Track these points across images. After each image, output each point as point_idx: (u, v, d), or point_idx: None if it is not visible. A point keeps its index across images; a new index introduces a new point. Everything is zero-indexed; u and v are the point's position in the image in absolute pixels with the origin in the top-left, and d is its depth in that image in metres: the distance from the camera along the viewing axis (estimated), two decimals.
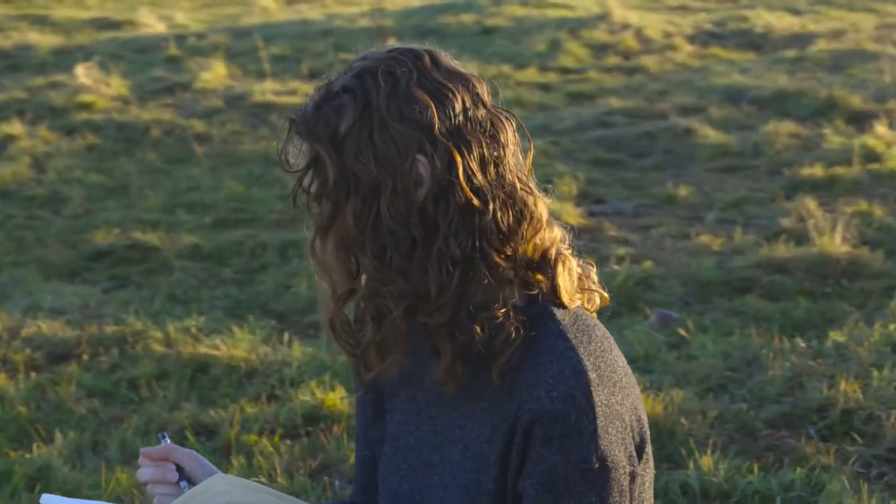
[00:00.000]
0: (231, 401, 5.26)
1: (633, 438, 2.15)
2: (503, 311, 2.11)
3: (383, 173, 2.07)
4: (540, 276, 2.16)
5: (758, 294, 6.15)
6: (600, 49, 11.97)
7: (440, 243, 2.09)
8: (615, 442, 2.10)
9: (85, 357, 5.75)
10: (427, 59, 2.14)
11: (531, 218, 2.14)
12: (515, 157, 2.16)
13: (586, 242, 6.96)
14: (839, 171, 7.87)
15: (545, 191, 2.22)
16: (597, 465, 2.08)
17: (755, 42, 12.42)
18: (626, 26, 12.52)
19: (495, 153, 2.12)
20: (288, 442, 4.95)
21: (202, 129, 9.45)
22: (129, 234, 7.34)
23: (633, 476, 2.14)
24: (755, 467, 4.51)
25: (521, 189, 2.15)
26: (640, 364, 5.34)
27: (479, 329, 2.10)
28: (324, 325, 2.30)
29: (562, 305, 2.16)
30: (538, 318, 2.13)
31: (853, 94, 9.58)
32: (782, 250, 6.52)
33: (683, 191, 7.75)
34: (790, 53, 11.70)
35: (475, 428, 2.18)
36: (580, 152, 8.71)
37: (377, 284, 2.11)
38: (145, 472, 2.37)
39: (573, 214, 7.25)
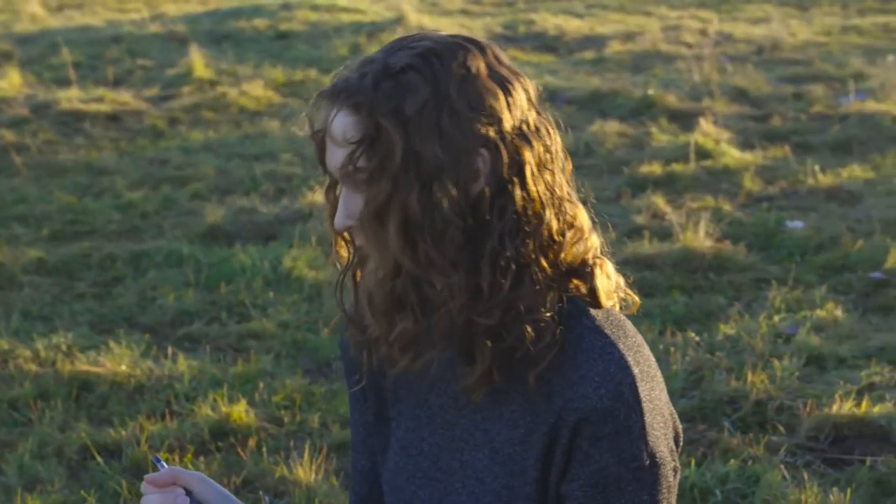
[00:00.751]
0: (128, 419, 5.04)
1: (671, 433, 2.12)
2: (549, 315, 2.05)
3: (447, 160, 2.00)
4: (577, 282, 2.12)
5: (632, 291, 6.19)
6: None
7: (495, 242, 2.03)
8: (660, 438, 2.07)
9: None
10: (491, 51, 2.08)
11: (574, 227, 2.13)
12: (563, 165, 2.15)
13: None
14: (676, 167, 8.03)
15: (584, 201, 2.20)
16: (647, 463, 2.04)
17: (550, 45, 12.60)
18: (421, 30, 12.52)
19: (549, 157, 2.10)
20: (202, 459, 4.77)
21: (13, 138, 9.05)
22: None
23: (675, 471, 2.11)
24: (692, 461, 4.54)
25: (568, 197, 2.13)
26: None
27: (530, 330, 2.04)
28: (340, 306, 2.21)
29: (597, 305, 2.12)
30: (572, 315, 2.08)
31: (668, 93, 9.79)
32: (647, 247, 6.60)
33: None
34: (589, 55, 11.90)
35: (503, 431, 2.11)
36: None
37: (432, 273, 2.03)
38: (152, 499, 2.22)
39: None
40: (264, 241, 7.01)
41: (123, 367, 5.43)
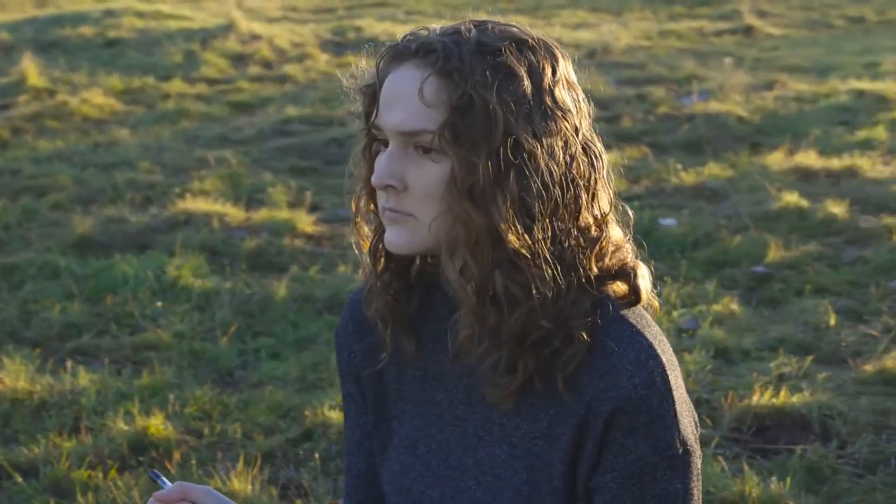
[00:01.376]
0: (39, 436, 4.86)
1: (694, 421, 2.15)
2: (588, 319, 2.05)
3: (541, 153, 1.99)
4: (618, 283, 2.12)
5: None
6: (238, 59, 11.83)
7: (572, 243, 2.04)
8: (688, 426, 2.09)
9: None
10: (569, 59, 2.10)
11: (609, 233, 2.11)
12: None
13: (330, 250, 6.87)
14: None
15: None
16: (680, 451, 2.05)
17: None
18: (255, 37, 12.42)
19: (603, 168, 2.10)
20: (127, 474, 4.63)
21: None
22: None
23: (700, 458, 2.13)
24: None
25: (610, 202, 2.13)
26: None
27: (583, 335, 2.03)
28: (369, 271, 2.17)
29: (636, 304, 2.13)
30: (596, 307, 2.07)
31: None
32: None
33: None
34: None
35: (523, 425, 2.09)
36: (273, 161, 8.57)
37: (520, 261, 2.00)
38: None
39: (308, 223, 7.13)
40: (138, 251, 6.85)
41: (22, 383, 5.24)
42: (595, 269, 2.07)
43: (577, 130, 2.02)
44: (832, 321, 5.65)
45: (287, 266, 6.60)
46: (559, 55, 2.05)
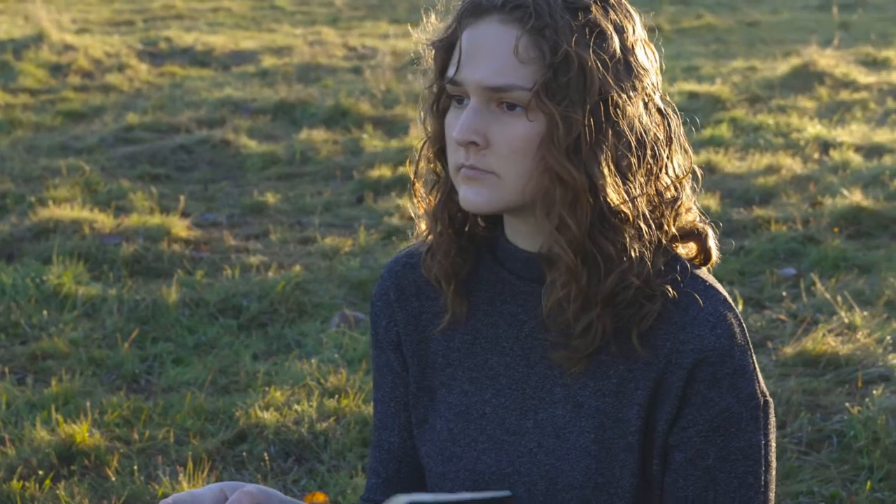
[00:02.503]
0: None
1: None
2: (669, 276, 2.06)
3: (631, 112, 1.99)
4: (690, 244, 2.14)
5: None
6: (55, 69, 11.46)
7: (650, 198, 2.04)
8: (761, 379, 2.11)
9: None
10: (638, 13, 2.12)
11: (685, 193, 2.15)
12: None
13: (210, 254, 6.69)
14: (405, 171, 8.04)
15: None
16: (762, 402, 2.07)
17: (201, 60, 12.39)
18: (69, 47, 12.04)
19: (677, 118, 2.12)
20: (62, 484, 4.40)
21: None
22: None
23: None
24: None
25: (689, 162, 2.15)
26: (356, 366, 5.25)
27: (666, 291, 2.03)
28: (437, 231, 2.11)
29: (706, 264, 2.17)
30: (671, 263, 2.10)
31: (359, 101, 9.80)
32: None
33: (270, 199, 7.62)
34: (251, 69, 11.77)
35: (589, 383, 2.06)
36: (123, 169, 8.30)
37: (617, 219, 2.00)
38: None
39: (182, 228, 6.92)
40: (5, 260, 6.53)
41: None
42: (673, 229, 2.08)
43: (654, 89, 2.04)
44: (740, 307, 5.74)
45: (168, 271, 6.39)
46: (633, 13, 2.05)
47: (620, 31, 2.00)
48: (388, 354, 2.24)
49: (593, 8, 1.98)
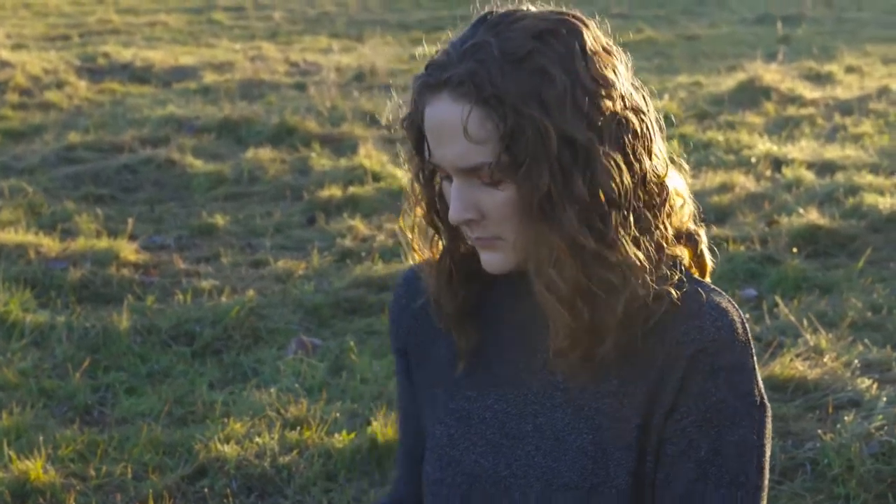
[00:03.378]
0: None
1: None
2: (675, 278, 2.05)
3: (596, 138, 1.95)
4: (683, 248, 2.13)
5: (371, 313, 6.08)
6: None
7: (642, 214, 2.01)
8: (761, 382, 2.08)
9: None
10: (590, 22, 2.04)
11: (669, 187, 2.12)
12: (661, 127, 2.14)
13: (159, 278, 6.54)
14: (356, 190, 7.93)
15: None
16: (759, 401, 2.04)
17: (140, 76, 12.22)
18: (5, 63, 11.82)
19: (656, 122, 2.07)
20: None
21: None
22: None
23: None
24: None
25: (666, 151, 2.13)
26: (316, 395, 5.13)
27: (674, 292, 2.01)
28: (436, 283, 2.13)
29: (702, 271, 2.16)
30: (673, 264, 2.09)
31: (305, 119, 9.67)
32: (380, 268, 6.49)
33: (220, 220, 7.47)
34: (192, 85, 11.61)
35: (590, 386, 2.06)
36: (66, 190, 8.12)
37: (610, 252, 1.98)
38: None
39: (131, 251, 6.76)
40: None
41: None
42: (670, 231, 2.07)
43: (622, 97, 1.97)
44: None
45: (117, 297, 6.23)
46: (581, 26, 1.98)
47: (567, 60, 1.95)
48: (399, 360, 2.29)
49: (533, 51, 1.94)
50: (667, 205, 2.06)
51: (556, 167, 1.93)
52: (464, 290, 2.15)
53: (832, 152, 8.68)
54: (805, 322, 5.57)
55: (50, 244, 6.78)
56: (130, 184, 8.31)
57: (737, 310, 2.04)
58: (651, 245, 2.01)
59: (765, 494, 2.05)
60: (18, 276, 6.34)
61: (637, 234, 1.99)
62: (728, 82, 11.05)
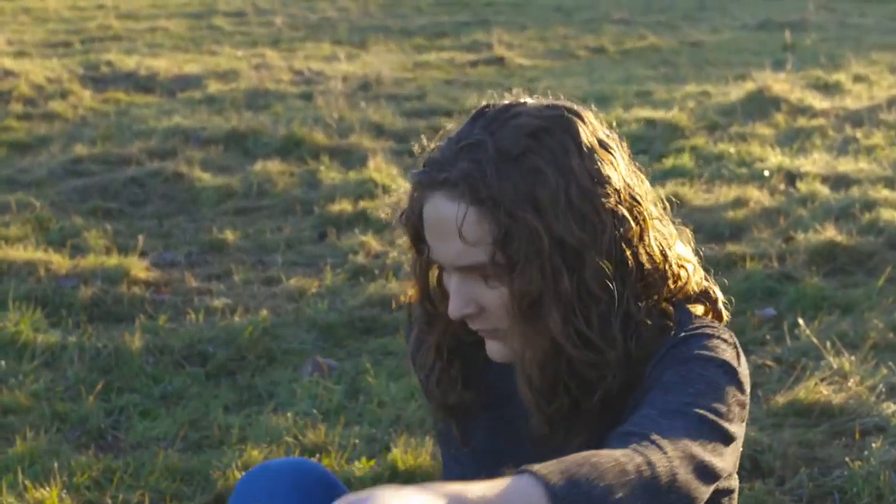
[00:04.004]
0: None
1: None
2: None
3: (587, 239, 1.99)
4: (699, 306, 2.21)
5: (386, 332, 6.01)
6: None
7: (629, 305, 2.05)
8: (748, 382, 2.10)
9: None
10: (587, 116, 2.11)
11: (687, 260, 2.20)
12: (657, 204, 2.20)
13: (171, 296, 6.46)
14: (367, 205, 7.85)
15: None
16: (729, 367, 2.04)
17: (145, 85, 12.13)
18: (8, 72, 11.73)
19: (652, 207, 2.15)
20: None
21: None
22: None
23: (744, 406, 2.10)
24: None
25: (671, 236, 2.18)
26: (333, 419, 5.06)
27: (642, 374, 2.07)
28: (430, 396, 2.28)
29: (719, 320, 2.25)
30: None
31: (313, 130, 9.58)
32: (393, 286, 6.42)
33: (230, 235, 7.39)
34: (197, 95, 11.52)
35: (584, 432, 2.13)
36: (73, 203, 8.04)
37: (590, 352, 2.04)
38: None
39: (142, 268, 6.68)
40: None
41: None
42: (666, 306, 2.13)
43: (618, 192, 2.03)
44: None
45: (129, 315, 6.16)
46: (576, 121, 2.04)
47: (561, 159, 1.99)
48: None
49: (527, 151, 1.98)
50: (668, 282, 2.11)
51: (547, 268, 1.98)
52: (463, 377, 2.22)
53: (845, 165, 8.61)
54: (828, 344, 5.50)
55: (60, 261, 6.71)
56: (138, 197, 8.23)
57: (730, 340, 2.08)
58: (634, 335, 2.06)
59: (732, 456, 2.02)
60: (29, 294, 6.26)
61: (622, 329, 2.04)
62: (737, 92, 10.96)
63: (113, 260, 6.72)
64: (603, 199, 2.00)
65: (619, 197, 2.03)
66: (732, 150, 9.06)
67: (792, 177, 8.33)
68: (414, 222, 2.08)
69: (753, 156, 8.86)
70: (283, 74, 12.55)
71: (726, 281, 6.26)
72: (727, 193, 7.94)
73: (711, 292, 2.21)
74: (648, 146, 9.43)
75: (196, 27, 17.17)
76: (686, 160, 8.81)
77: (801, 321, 5.83)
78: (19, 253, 6.76)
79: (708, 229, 7.33)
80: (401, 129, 10.03)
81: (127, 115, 10.55)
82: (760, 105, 10.41)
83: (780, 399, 5.09)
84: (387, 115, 10.36)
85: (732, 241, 7.12)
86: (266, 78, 12.08)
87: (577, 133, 2.03)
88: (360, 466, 4.61)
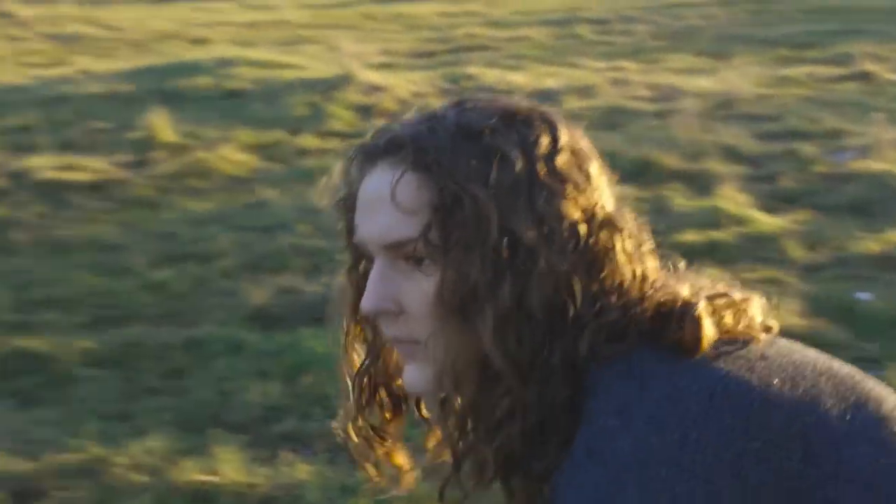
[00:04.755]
0: None
1: None
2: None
3: (541, 243, 1.65)
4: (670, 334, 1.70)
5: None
6: (362, 110, 11.62)
7: (567, 342, 1.66)
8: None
9: (54, 493, 5.00)
10: (577, 129, 1.79)
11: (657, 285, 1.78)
12: (640, 236, 1.82)
13: None
14: (715, 235, 7.85)
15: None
16: None
17: None
18: (375, 87, 12.25)
19: (630, 235, 1.77)
20: None
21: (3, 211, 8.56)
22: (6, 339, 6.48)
23: None
24: None
25: (650, 270, 1.79)
26: None
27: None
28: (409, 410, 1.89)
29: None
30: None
31: (664, 153, 9.63)
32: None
33: None
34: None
35: None
36: None
37: (508, 378, 1.65)
38: None
39: None
40: (315, 324, 6.62)
41: (240, 476, 5.05)
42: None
43: (589, 206, 1.70)
44: None
45: None
46: (560, 124, 1.73)
47: (529, 146, 1.68)
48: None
49: (493, 129, 1.68)
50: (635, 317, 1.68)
51: (488, 260, 1.65)
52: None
53: None
54: None
55: None
56: None
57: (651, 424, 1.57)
58: (565, 381, 1.66)
59: None
60: None
61: (557, 358, 1.66)
62: None
63: None
64: (570, 207, 1.68)
65: (589, 213, 1.71)
66: None
67: None
68: (350, 206, 1.77)
69: None
70: (640, 90, 12.61)
71: None
72: None
73: (688, 307, 1.72)
74: None
75: (559, 35, 17.41)
76: None
77: None
78: None
79: None
80: (755, 152, 9.95)
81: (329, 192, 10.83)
82: None
83: None
84: (741, 138, 10.29)
85: None
86: (623, 94, 12.18)
87: (558, 129, 1.72)
88: None
